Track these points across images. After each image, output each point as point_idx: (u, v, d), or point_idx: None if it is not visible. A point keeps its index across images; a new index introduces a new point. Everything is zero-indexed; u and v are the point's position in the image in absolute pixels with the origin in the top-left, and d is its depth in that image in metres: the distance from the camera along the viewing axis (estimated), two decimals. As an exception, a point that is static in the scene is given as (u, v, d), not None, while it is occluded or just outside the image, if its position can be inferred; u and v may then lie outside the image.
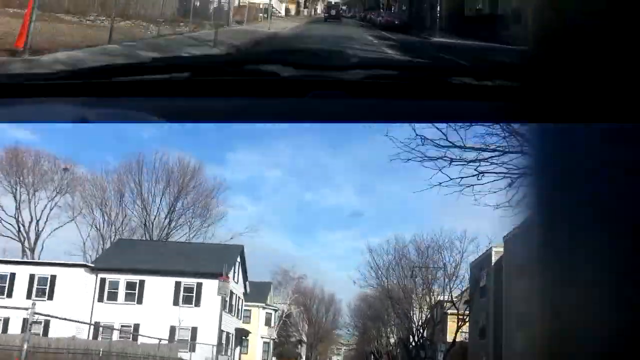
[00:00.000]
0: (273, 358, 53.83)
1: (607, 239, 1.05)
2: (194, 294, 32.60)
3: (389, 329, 59.00)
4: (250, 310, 48.13)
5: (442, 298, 37.55)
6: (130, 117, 2.94)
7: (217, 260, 33.57)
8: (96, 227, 46.16)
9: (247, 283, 39.85)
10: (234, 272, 35.81)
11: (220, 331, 33.69)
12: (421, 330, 40.09)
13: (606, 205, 1.07)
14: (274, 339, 53.12)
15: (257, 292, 48.70)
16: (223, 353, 34.54)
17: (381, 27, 48.33)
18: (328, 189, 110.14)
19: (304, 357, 69.93)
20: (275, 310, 54.16)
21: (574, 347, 1.03)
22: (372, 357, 70.08)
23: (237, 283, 37.07)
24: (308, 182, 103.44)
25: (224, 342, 34.45)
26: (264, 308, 50.91)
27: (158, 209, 45.97)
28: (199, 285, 32.54)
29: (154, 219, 44.11)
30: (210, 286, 32.68)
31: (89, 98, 2.92)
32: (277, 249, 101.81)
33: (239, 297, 38.32)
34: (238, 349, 39.41)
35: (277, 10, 53.06)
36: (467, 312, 35.54)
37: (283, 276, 61.51)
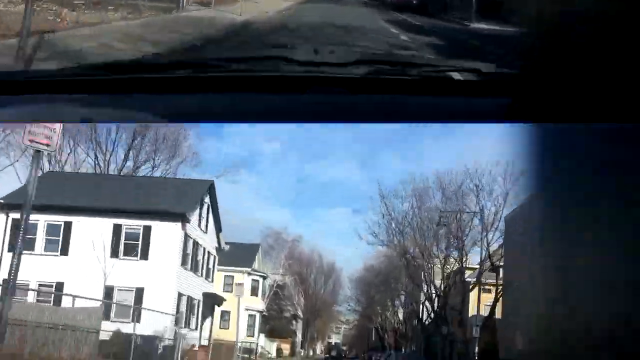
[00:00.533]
0: (261, 335, 45.31)
1: (607, 238, 1.04)
2: (140, 242, 23.63)
3: (397, 301, 50.54)
4: (232, 277, 39.93)
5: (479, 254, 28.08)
6: (132, 117, 3.05)
7: (174, 197, 24.64)
8: (41, 170, 37.19)
9: (221, 235, 30.62)
10: (199, 216, 26.74)
11: (179, 295, 24.84)
12: (442, 300, 31.31)
13: (606, 205, 1.05)
14: (262, 312, 44.50)
15: (242, 255, 40.42)
16: (184, 324, 25.66)
17: (393, 7, 39.78)
18: (327, 161, 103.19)
19: (299, 335, 61.95)
20: (264, 278, 45.58)
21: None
22: (376, 334, 62.90)
23: (205, 232, 27.94)
24: (307, 155, 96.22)
25: (184, 309, 25.55)
26: (249, 274, 42.27)
27: (114, 145, 36.88)
28: (147, 229, 23.58)
29: (109, 157, 35.06)
30: (162, 231, 23.79)
31: (91, 96, 2.90)
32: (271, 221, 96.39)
33: (209, 253, 29.22)
34: (209, 320, 30.46)
35: (267, -13, 42.29)
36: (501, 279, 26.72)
37: (275, 239, 52.83)
